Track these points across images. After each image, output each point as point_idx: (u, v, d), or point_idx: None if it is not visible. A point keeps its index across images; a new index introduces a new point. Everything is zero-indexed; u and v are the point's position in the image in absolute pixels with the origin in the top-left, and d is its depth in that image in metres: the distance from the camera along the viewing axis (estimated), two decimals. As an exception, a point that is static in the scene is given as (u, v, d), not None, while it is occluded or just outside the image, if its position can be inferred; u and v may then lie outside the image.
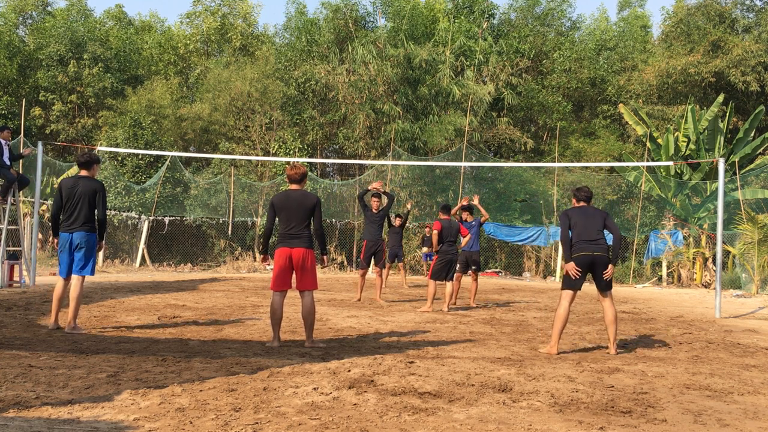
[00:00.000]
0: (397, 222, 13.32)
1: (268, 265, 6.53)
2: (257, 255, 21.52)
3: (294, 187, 6.24)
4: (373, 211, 10.61)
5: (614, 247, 6.31)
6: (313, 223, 6.20)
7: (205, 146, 24.85)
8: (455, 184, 21.97)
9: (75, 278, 6.75)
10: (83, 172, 6.89)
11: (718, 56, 23.94)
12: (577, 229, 6.28)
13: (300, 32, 26.85)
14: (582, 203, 6.49)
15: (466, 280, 11.12)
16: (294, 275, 6.15)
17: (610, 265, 6.26)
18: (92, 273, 6.90)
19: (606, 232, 6.41)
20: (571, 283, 6.25)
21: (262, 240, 6.30)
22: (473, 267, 10.68)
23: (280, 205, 6.13)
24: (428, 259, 17.26)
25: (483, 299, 12.02)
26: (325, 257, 6.55)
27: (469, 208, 10.88)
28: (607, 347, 6.42)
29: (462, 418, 3.76)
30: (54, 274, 13.75)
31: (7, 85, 25.12)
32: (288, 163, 21.77)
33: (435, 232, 9.58)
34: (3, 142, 10.72)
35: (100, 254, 19.07)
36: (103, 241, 7.06)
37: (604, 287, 6.30)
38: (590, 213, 6.36)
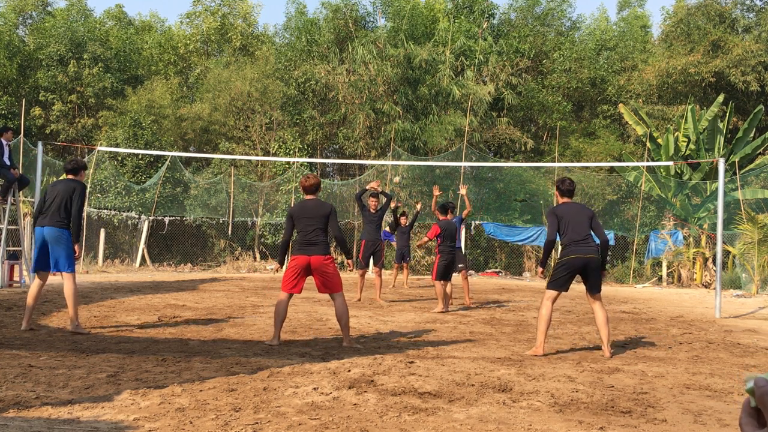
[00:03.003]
0: (403, 221, 13.30)
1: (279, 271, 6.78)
2: (257, 254, 21.52)
3: (309, 197, 6.39)
4: (371, 210, 10.60)
5: (603, 252, 6.20)
6: (331, 230, 6.33)
7: (205, 146, 24.84)
8: (455, 184, 21.96)
9: (64, 276, 6.60)
10: (70, 176, 6.83)
11: (718, 56, 23.93)
12: (567, 229, 6.14)
13: (300, 32, 26.83)
14: (566, 198, 6.36)
15: (457, 279, 11.11)
16: (315, 282, 6.34)
17: (602, 270, 6.20)
18: (72, 269, 6.63)
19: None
20: (557, 284, 6.16)
21: (280, 250, 6.59)
22: (460, 265, 10.55)
23: (298, 215, 6.28)
24: (386, 238, 16.10)
25: (483, 299, 12.01)
26: (350, 261, 6.67)
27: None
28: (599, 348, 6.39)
29: (462, 418, 3.76)
30: (53, 274, 13.74)
31: (7, 85, 25.10)
32: (288, 163, 21.86)
33: (432, 232, 9.69)
34: (4, 142, 10.73)
35: (100, 254, 19.07)
36: (78, 245, 6.64)
37: (594, 289, 6.20)
38: (578, 211, 6.23)
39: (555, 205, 6.49)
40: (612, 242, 20.46)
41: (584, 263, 6.08)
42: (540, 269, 6.52)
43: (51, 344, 5.88)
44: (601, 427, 3.67)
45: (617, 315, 9.99)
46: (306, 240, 6.21)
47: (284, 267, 6.55)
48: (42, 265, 6.67)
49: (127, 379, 4.52)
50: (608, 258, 6.45)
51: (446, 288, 9.73)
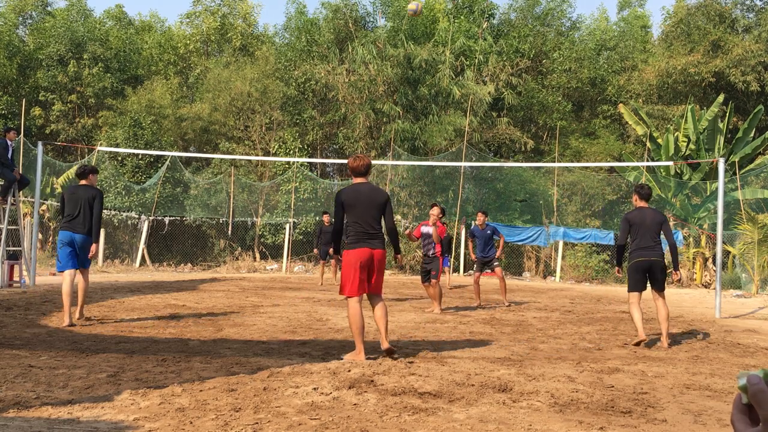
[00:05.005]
0: (326, 219, 14.30)
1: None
2: (256, 254, 21.52)
3: (359, 180, 5.64)
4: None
5: (672, 254, 7.12)
6: (385, 221, 5.66)
7: (205, 146, 24.84)
8: (455, 184, 21.96)
9: (83, 272, 7.34)
10: (82, 182, 7.50)
11: (718, 56, 23.92)
12: (637, 235, 6.92)
13: (300, 32, 26.83)
14: (643, 203, 7.07)
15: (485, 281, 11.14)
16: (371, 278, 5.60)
17: (674, 271, 7.21)
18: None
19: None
20: (633, 287, 6.98)
21: (333, 239, 5.84)
22: (495, 263, 10.94)
23: (351, 202, 5.51)
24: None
25: (485, 299, 12.00)
26: (399, 257, 6.11)
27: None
28: (658, 341, 7.01)
29: (462, 418, 3.76)
30: (53, 274, 13.73)
31: (7, 85, 25.10)
32: (288, 163, 21.86)
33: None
34: (9, 142, 10.74)
35: (100, 254, 19.06)
36: (95, 245, 7.50)
37: (658, 288, 6.98)
38: (649, 218, 6.93)
39: (632, 209, 7.27)
40: (612, 242, 20.47)
41: (649, 265, 6.92)
42: (617, 269, 7.55)
43: (51, 344, 5.88)
44: (601, 427, 3.66)
45: (617, 315, 9.99)
46: (365, 231, 5.47)
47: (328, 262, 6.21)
48: (72, 265, 7.27)
49: (127, 379, 4.52)
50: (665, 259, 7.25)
51: (433, 289, 9.64)
